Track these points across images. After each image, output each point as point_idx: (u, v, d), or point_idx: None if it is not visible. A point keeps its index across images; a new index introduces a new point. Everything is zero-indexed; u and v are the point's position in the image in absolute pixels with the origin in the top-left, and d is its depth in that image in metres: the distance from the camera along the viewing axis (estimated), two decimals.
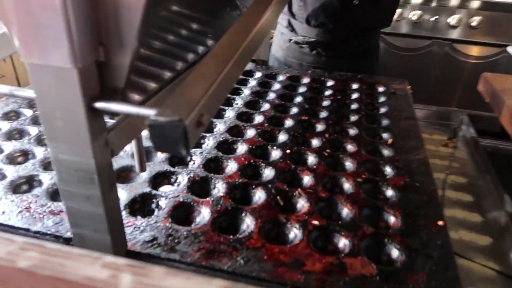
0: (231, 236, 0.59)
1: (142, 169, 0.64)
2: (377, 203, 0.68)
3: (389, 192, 0.72)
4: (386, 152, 0.85)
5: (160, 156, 0.80)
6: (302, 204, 0.68)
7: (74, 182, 0.47)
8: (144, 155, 0.63)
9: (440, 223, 0.63)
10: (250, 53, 0.55)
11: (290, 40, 1.38)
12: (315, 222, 0.63)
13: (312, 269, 0.54)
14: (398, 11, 2.82)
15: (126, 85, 0.44)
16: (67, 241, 0.58)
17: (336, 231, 0.62)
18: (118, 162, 0.76)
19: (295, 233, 0.62)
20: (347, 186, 0.73)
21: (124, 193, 0.68)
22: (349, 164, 0.80)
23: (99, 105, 0.42)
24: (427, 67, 2.96)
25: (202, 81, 0.42)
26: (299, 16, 1.31)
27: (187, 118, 0.37)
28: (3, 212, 0.62)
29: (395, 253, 0.59)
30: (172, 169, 0.75)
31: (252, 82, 1.17)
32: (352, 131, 0.92)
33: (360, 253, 0.57)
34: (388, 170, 0.78)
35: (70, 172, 0.46)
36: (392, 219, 0.65)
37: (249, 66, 1.28)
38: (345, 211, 0.67)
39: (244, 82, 1.17)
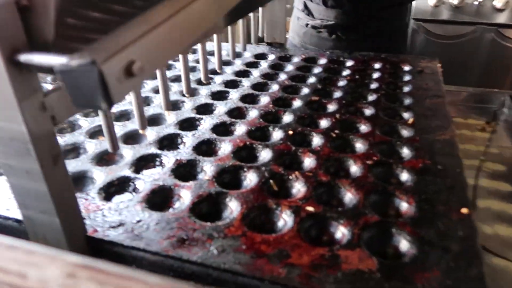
0: (208, 223, 0.51)
1: (114, 148, 0.57)
2: (387, 188, 0.57)
3: (404, 176, 0.61)
4: (405, 132, 0.73)
5: (149, 138, 0.73)
6: (298, 189, 0.59)
7: (12, 154, 0.41)
8: (114, 132, 0.56)
9: (464, 210, 0.52)
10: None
11: (307, 25, 1.27)
12: (310, 209, 0.53)
13: (298, 262, 0.45)
14: None
15: (57, 37, 0.37)
16: (19, 222, 0.52)
17: (334, 219, 0.52)
18: (102, 144, 0.71)
19: (284, 221, 0.53)
20: (354, 169, 0.63)
21: (101, 176, 0.62)
22: (359, 146, 0.69)
23: (24, 58, 0.35)
24: (471, 56, 2.72)
25: (141, 24, 0.35)
26: None
27: (104, 62, 0.29)
28: None
29: (404, 245, 0.48)
30: (158, 151, 0.68)
31: (264, 64, 1.08)
32: (368, 111, 0.81)
33: (359, 245, 0.47)
34: (405, 151, 0.67)
35: (5, 142, 0.40)
36: (404, 206, 0.55)
37: (262, 49, 1.20)
38: (348, 197, 0.57)
39: (254, 65, 1.08)
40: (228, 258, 0.46)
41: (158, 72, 0.64)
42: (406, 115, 0.79)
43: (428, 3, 2.67)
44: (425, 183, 0.58)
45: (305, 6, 1.27)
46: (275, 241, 0.48)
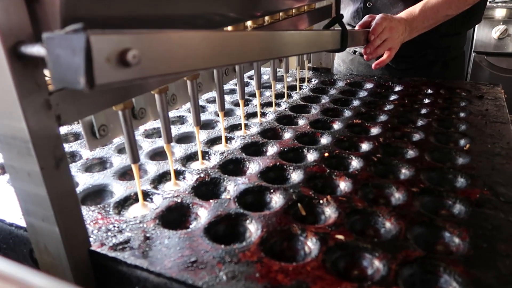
0: (221, 246, 0.46)
1: (135, 160, 0.54)
2: (435, 220, 0.48)
3: (457, 207, 0.52)
4: (460, 159, 0.64)
5: (177, 155, 0.70)
6: (328, 214, 0.52)
7: (15, 155, 0.39)
8: (136, 142, 0.53)
9: None
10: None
11: (355, 52, 1.21)
12: (339, 237, 0.46)
13: None
14: (502, 27, 2.47)
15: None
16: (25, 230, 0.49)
17: (367, 251, 0.44)
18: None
19: (309, 248, 0.46)
20: (396, 196, 0.55)
21: (120, 190, 0.59)
22: (404, 171, 0.61)
23: (28, 49, 0.33)
24: None
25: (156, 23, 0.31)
26: None
27: (95, 35, 0.26)
28: None
29: None
30: (183, 168, 0.65)
31: (305, 88, 1.03)
32: (417, 136, 0.73)
33: (396, 283, 0.39)
34: (460, 180, 0.58)
35: (8, 141, 0.38)
36: (455, 241, 0.45)
37: (308, 73, 1.16)
38: (387, 227, 0.49)
39: (295, 88, 1.04)
40: (237, 286, 0.40)
41: (189, 87, 0.62)
42: (462, 141, 0.70)
43: (492, 35, 2.51)
44: (483, 216, 0.48)
45: None
46: (294, 271, 0.41)
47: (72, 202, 0.42)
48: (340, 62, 1.30)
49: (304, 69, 1.13)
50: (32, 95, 0.36)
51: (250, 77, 1.16)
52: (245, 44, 0.40)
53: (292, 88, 1.05)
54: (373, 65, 0.94)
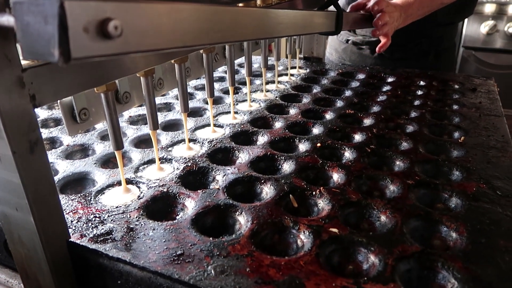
0: (210, 238, 0.43)
1: (118, 146, 0.51)
2: (432, 213, 0.47)
3: (453, 201, 0.50)
4: (455, 152, 0.62)
5: (163, 143, 0.67)
6: (321, 206, 0.50)
7: None
8: (119, 127, 0.50)
9: None
10: None
11: (348, 40, 1.19)
12: (333, 230, 0.44)
13: None
14: (491, 23, 2.47)
15: None
16: None
17: (362, 245, 0.42)
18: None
19: (302, 242, 0.44)
20: (391, 188, 0.53)
21: (103, 178, 0.56)
22: (399, 163, 0.59)
23: None
24: None
25: None
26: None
27: (71, 2, 0.23)
28: None
29: (452, 285, 0.37)
30: (170, 155, 0.62)
31: (296, 77, 1.01)
32: (410, 127, 0.71)
33: (393, 279, 0.37)
34: (455, 173, 0.56)
35: None
36: (453, 236, 0.44)
37: (299, 62, 1.13)
38: (382, 220, 0.47)
39: (285, 76, 1.02)
40: (227, 281, 0.37)
41: (177, 71, 0.59)
42: (456, 133, 0.69)
43: (481, 30, 2.51)
44: (480, 210, 0.47)
45: None
46: (287, 266, 0.39)
47: (49, 190, 0.39)
48: (332, 51, 1.27)
49: (295, 58, 1.10)
50: (2, 71, 0.32)
51: (240, 65, 1.13)
52: (238, 21, 0.37)
53: (282, 76, 1.02)
54: (377, 48, 0.91)
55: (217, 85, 0.96)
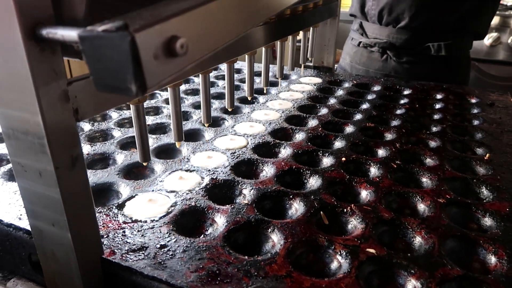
0: (245, 257, 0.42)
1: (145, 158, 0.50)
2: (468, 234, 0.46)
3: (487, 221, 0.50)
4: (481, 169, 0.62)
5: (184, 153, 0.66)
6: (354, 224, 0.49)
7: (24, 151, 0.34)
8: (147, 139, 0.49)
9: None
10: None
11: (359, 43, 1.21)
12: (371, 251, 0.43)
13: None
14: (495, 35, 2.49)
15: (89, 14, 0.31)
16: (30, 235, 0.45)
17: (402, 267, 0.41)
18: (134, 155, 0.64)
19: (339, 262, 0.43)
20: (422, 207, 0.52)
21: (127, 190, 0.55)
22: (426, 181, 0.59)
23: (47, 32, 0.29)
24: None
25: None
26: (371, 13, 1.15)
27: (139, 30, 0.22)
28: None
29: None
30: (194, 166, 0.61)
31: (310, 88, 1.00)
32: (433, 143, 0.71)
33: None
34: (485, 192, 0.56)
35: (19, 136, 0.34)
36: (492, 260, 0.43)
37: (310, 72, 1.13)
38: (417, 241, 0.46)
39: (300, 88, 1.01)
40: None
41: (201, 81, 0.58)
42: (479, 150, 0.68)
43: (484, 42, 2.53)
44: None
45: (360, 26, 1.22)
46: (328, 287, 0.38)
47: (87, 205, 0.37)
48: (346, 56, 1.30)
49: (306, 68, 1.10)
50: (50, 84, 0.31)
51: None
52: None
53: (295, 84, 1.01)
54: None
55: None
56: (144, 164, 0.51)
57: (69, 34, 0.27)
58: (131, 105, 0.46)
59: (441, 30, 1.07)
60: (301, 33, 0.90)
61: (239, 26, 0.31)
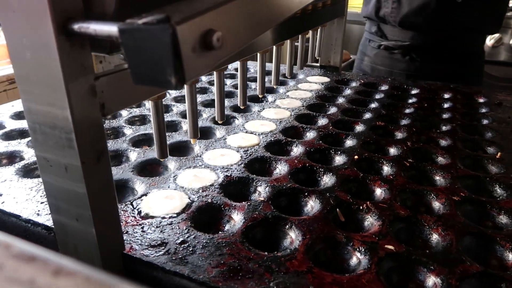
0: (265, 253, 0.42)
1: (163, 155, 0.50)
2: (485, 232, 0.46)
3: (503, 219, 0.50)
4: (493, 168, 0.62)
5: (196, 151, 0.67)
6: (371, 222, 0.49)
7: (51, 146, 0.34)
8: (165, 136, 0.49)
9: None
10: None
11: (380, 46, 1.21)
12: (390, 247, 0.43)
13: None
14: (497, 36, 2.50)
15: (119, 8, 0.31)
16: (48, 231, 0.45)
17: (421, 264, 0.41)
18: (147, 153, 0.64)
19: (358, 259, 0.43)
20: (437, 204, 0.53)
21: (142, 187, 0.55)
22: (439, 179, 0.59)
23: (79, 26, 0.29)
24: None
25: None
26: (391, 19, 1.15)
27: (180, 23, 0.22)
28: (0, 195, 0.52)
29: None
30: (208, 164, 0.61)
31: (318, 87, 1.01)
32: (444, 142, 0.71)
33: None
34: (498, 190, 0.56)
35: (45, 130, 0.34)
36: (510, 257, 0.43)
37: (317, 71, 1.13)
38: (435, 238, 0.46)
39: (308, 87, 1.01)
40: None
41: (215, 78, 0.58)
42: (490, 149, 0.68)
43: (486, 43, 2.54)
44: None
45: (379, 28, 1.22)
46: (349, 284, 0.38)
47: (111, 200, 0.38)
48: (363, 57, 1.29)
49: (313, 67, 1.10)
50: (78, 79, 0.32)
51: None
52: None
53: (303, 83, 1.02)
54: None
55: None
56: (162, 160, 0.51)
57: (102, 28, 0.27)
58: (150, 102, 0.46)
59: (464, 29, 1.08)
60: (309, 32, 0.91)
61: (269, 19, 0.32)
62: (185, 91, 0.53)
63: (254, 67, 1.16)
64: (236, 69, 1.14)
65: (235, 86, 1.01)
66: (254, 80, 1.06)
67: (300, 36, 0.84)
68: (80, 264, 0.14)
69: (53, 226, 0.46)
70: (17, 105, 0.86)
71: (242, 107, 0.68)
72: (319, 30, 0.97)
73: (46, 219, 0.47)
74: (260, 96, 0.75)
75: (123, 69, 0.35)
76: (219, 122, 0.62)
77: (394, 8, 1.12)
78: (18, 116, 0.81)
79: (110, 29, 0.25)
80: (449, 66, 1.12)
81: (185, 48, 0.22)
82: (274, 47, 0.72)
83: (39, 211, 0.49)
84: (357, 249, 0.44)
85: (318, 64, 1.19)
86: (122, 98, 0.37)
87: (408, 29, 1.12)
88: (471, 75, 1.15)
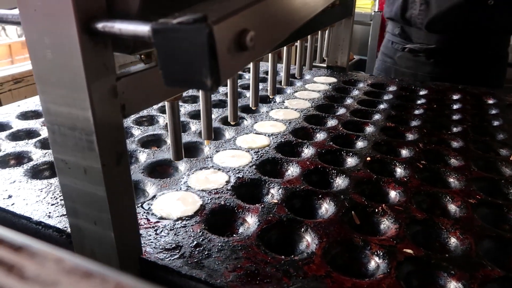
0: (282, 256, 0.42)
1: (178, 156, 0.49)
2: (504, 236, 0.46)
3: None
4: (507, 170, 0.62)
5: (206, 152, 0.66)
6: (387, 225, 0.48)
7: (70, 148, 0.33)
8: (181, 137, 0.48)
9: None
10: None
11: (404, 48, 1.19)
12: (408, 251, 0.43)
13: None
14: None
15: (143, 8, 0.30)
16: (70, 238, 0.44)
17: (442, 268, 0.41)
18: (156, 154, 0.64)
19: (376, 263, 0.42)
20: (453, 207, 0.52)
21: (153, 189, 0.54)
22: (454, 181, 0.58)
23: (103, 25, 0.28)
24: None
25: None
26: (417, 22, 1.12)
27: (218, 23, 0.21)
28: (9, 196, 0.51)
29: None
30: (219, 165, 0.60)
31: (325, 87, 1.00)
32: (456, 143, 0.70)
33: None
34: None
35: (64, 132, 0.33)
36: None
37: (324, 71, 1.13)
38: (453, 242, 0.46)
39: (316, 88, 1.01)
40: None
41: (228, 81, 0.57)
42: (503, 151, 0.68)
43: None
44: None
45: (403, 31, 1.19)
46: None
47: (130, 203, 0.37)
48: (386, 58, 1.27)
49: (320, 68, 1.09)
50: (100, 79, 0.31)
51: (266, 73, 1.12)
52: None
53: (310, 84, 1.01)
54: None
55: (249, 94, 0.95)
56: (173, 162, 0.51)
57: (128, 27, 0.27)
58: (166, 103, 0.45)
59: (494, 31, 1.07)
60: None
61: (296, 19, 0.31)
62: (200, 92, 0.52)
63: (261, 67, 1.15)
64: (244, 70, 1.13)
65: (243, 87, 1.00)
66: (261, 80, 1.05)
67: (309, 36, 0.83)
68: (139, 280, 0.13)
69: (65, 228, 0.46)
70: (23, 105, 0.85)
71: (253, 108, 0.67)
72: (327, 30, 0.96)
73: (57, 221, 0.47)
74: (270, 96, 0.74)
75: (144, 69, 0.34)
76: (232, 123, 0.61)
77: (422, 10, 1.09)
78: (24, 116, 0.80)
79: (139, 28, 0.24)
80: (473, 69, 1.11)
81: (221, 48, 0.21)
82: (285, 47, 0.71)
83: (50, 213, 0.48)
84: (375, 253, 0.43)
85: (324, 65, 1.18)
86: (142, 99, 0.36)
87: (435, 32, 1.10)
88: (494, 78, 1.14)
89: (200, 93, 0.51)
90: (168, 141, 0.70)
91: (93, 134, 0.31)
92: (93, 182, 0.33)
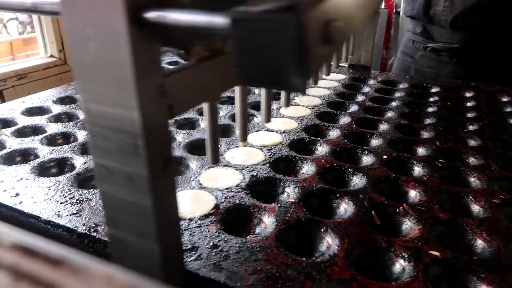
0: (303, 258, 0.40)
1: (215, 160, 0.45)
2: None
3: None
4: None
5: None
6: (409, 225, 0.47)
7: (112, 152, 0.30)
8: (218, 139, 0.44)
9: None
10: None
11: (426, 48, 1.16)
12: (435, 253, 0.41)
13: None
14: None
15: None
16: (80, 238, 0.42)
17: (471, 271, 0.39)
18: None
19: (401, 265, 0.40)
20: (476, 208, 0.50)
21: None
22: (475, 180, 0.56)
23: (155, 15, 0.25)
24: None
25: None
26: (441, 19, 1.08)
27: (309, 12, 0.19)
28: (17, 194, 0.50)
29: None
30: (231, 163, 0.58)
31: (335, 84, 0.98)
32: (473, 142, 0.68)
33: None
34: None
35: (107, 135, 0.29)
36: None
37: (332, 68, 1.11)
38: (479, 243, 0.44)
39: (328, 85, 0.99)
40: None
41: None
42: None
43: None
44: None
45: (425, 29, 1.16)
46: None
47: (174, 213, 0.34)
48: (407, 58, 1.24)
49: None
50: (148, 77, 0.27)
51: None
52: None
53: (321, 80, 0.99)
54: None
55: (257, 90, 0.93)
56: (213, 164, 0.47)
57: (186, 17, 0.24)
58: (203, 104, 0.42)
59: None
60: None
61: (361, 16, 0.28)
62: (235, 91, 0.48)
63: None
64: None
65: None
66: None
67: None
68: None
69: (75, 228, 0.44)
70: (28, 101, 0.83)
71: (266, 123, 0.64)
72: None
73: (67, 221, 0.45)
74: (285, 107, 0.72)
75: (192, 65, 0.31)
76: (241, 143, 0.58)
77: (447, 6, 1.06)
78: (29, 112, 0.78)
79: (203, 19, 0.21)
80: (498, 68, 1.07)
81: (312, 41, 0.19)
82: None
83: (59, 211, 0.46)
84: (400, 255, 0.41)
85: (346, 65, 1.14)
86: (189, 98, 0.33)
87: (459, 29, 1.07)
88: None
89: (236, 93, 0.48)
90: (178, 138, 0.68)
91: (139, 137, 0.28)
92: (137, 191, 0.30)
